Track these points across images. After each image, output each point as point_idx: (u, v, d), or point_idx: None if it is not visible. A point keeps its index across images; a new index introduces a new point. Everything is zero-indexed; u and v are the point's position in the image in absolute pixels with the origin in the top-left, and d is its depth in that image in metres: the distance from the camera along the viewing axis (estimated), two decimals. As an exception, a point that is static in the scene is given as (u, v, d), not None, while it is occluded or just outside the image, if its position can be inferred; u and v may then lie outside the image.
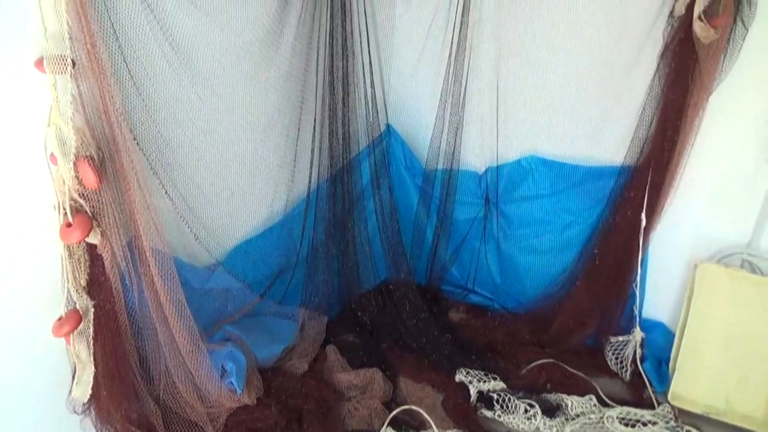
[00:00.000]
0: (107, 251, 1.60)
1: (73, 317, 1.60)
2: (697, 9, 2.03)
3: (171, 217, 1.93)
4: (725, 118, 2.25)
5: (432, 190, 2.88)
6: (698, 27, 2.04)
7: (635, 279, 2.45)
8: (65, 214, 1.51)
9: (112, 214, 1.57)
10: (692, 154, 2.28)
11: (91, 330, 1.64)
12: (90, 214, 1.54)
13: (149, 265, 1.69)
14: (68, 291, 1.60)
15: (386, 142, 2.90)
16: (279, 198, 2.47)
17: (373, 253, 2.82)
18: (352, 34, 2.45)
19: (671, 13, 2.20)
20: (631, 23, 2.33)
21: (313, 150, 2.49)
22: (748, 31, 2.10)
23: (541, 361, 2.53)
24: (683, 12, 2.12)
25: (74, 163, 1.45)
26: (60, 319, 1.59)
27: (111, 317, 1.70)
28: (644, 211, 2.35)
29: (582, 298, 2.65)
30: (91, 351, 1.65)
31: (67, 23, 1.35)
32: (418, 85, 2.90)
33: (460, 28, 2.53)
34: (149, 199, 1.64)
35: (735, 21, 2.08)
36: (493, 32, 2.63)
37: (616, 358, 2.52)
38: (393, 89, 2.99)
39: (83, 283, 1.62)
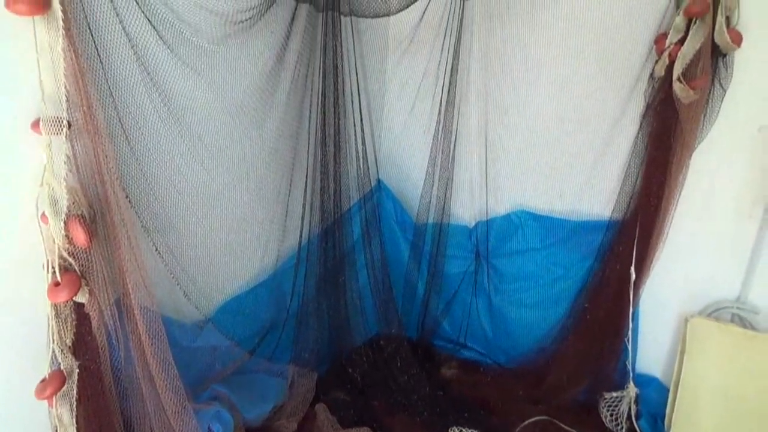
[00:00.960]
0: (95, 310, 1.58)
1: (57, 378, 1.56)
2: (676, 71, 2.11)
3: (160, 274, 1.92)
4: (709, 174, 2.31)
5: (423, 245, 2.89)
6: (678, 88, 2.11)
7: (627, 333, 2.45)
8: (53, 273, 1.50)
9: (101, 272, 1.55)
10: (678, 209, 2.32)
11: (75, 391, 1.60)
12: (79, 272, 1.53)
13: (137, 324, 1.66)
14: (53, 351, 1.57)
15: (377, 196, 2.93)
16: (270, 253, 2.46)
17: (364, 308, 2.81)
18: (343, 93, 2.51)
19: (651, 74, 2.29)
20: (615, 83, 2.41)
21: (304, 205, 2.50)
22: (725, 91, 2.18)
23: (535, 419, 2.49)
24: (663, 74, 2.20)
25: (65, 222, 1.46)
26: (43, 380, 1.55)
27: (96, 378, 1.66)
28: (633, 265, 2.36)
29: (574, 352, 2.63)
30: (74, 414, 1.60)
31: (65, 86, 1.37)
32: (409, 141, 2.97)
33: (449, 88, 2.60)
34: (139, 257, 1.64)
35: (713, 82, 2.16)
36: (480, 91, 2.71)
37: (611, 415, 2.48)
38: (384, 145, 3.05)
39: (69, 342, 1.59)
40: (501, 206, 2.81)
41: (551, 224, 2.68)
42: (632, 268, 2.36)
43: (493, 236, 2.82)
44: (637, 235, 2.36)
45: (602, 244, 2.57)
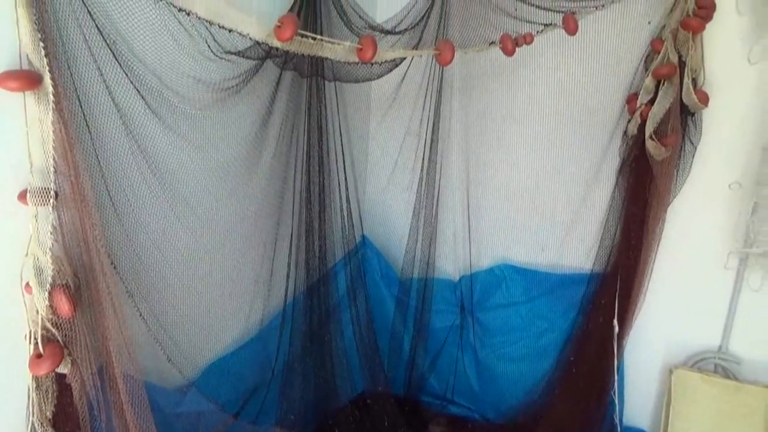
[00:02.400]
0: (77, 380, 1.54)
1: (36, 453, 1.52)
2: (648, 129, 2.20)
3: (144, 340, 1.89)
4: (685, 228, 2.38)
5: (408, 299, 2.90)
6: (650, 145, 2.19)
7: (613, 386, 2.45)
8: (36, 344, 1.47)
9: (84, 342, 1.53)
10: (657, 262, 2.37)
11: (54, 467, 1.55)
12: (62, 343, 1.50)
13: (119, 393, 1.63)
14: (33, 424, 1.52)
15: (362, 252, 2.95)
16: (255, 313, 2.44)
17: (350, 365, 2.77)
18: (328, 152, 2.55)
19: (625, 132, 2.37)
20: (591, 140, 2.50)
21: (289, 264, 2.50)
22: (696, 148, 2.27)
23: (525, 477, 2.45)
24: (636, 132, 2.29)
25: (49, 293, 1.44)
26: (21, 456, 1.51)
27: (76, 451, 1.61)
28: (616, 317, 2.39)
29: (561, 406, 2.62)
30: (52, 491, 1.55)
31: (54, 158, 1.38)
32: (392, 197, 3.01)
33: (431, 145, 2.67)
34: (123, 325, 1.61)
35: (684, 140, 2.25)
36: (461, 148, 2.78)
37: (601, 471, 2.45)
38: (368, 201, 3.09)
39: (49, 415, 1.55)
40: (484, 260, 2.84)
41: (534, 277, 2.72)
42: (615, 321, 2.39)
43: (478, 290, 2.84)
44: (618, 288, 2.40)
45: (585, 297, 2.61)
